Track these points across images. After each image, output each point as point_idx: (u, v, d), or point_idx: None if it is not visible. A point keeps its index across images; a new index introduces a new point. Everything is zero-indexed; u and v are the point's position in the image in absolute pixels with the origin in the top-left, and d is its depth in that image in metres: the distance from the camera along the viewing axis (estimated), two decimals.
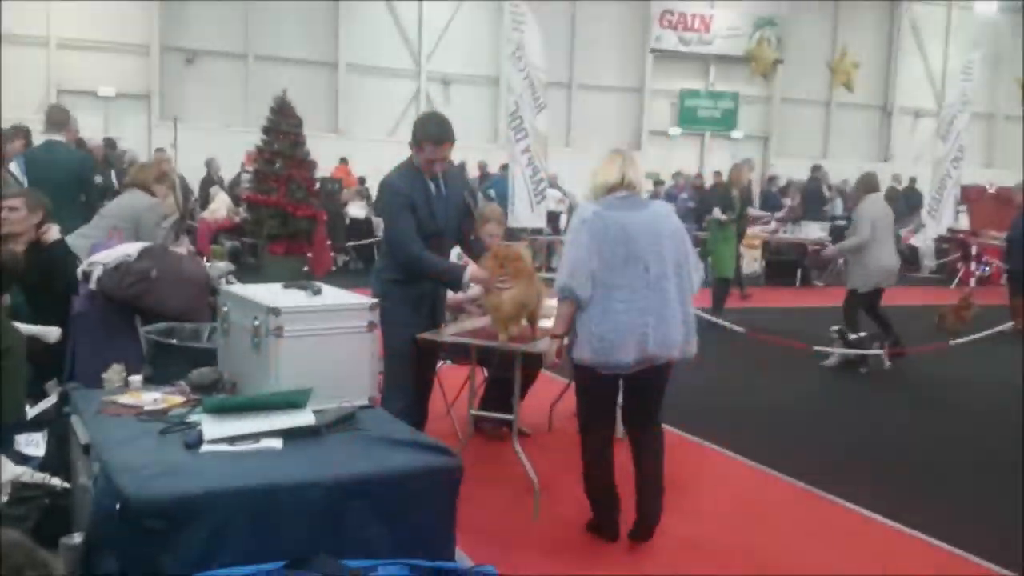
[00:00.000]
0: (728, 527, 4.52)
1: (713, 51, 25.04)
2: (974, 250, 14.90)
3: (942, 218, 16.85)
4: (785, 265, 15.09)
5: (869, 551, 4.26)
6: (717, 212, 10.78)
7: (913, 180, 20.35)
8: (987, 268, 15.91)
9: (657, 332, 3.87)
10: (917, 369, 8.32)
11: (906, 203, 19.18)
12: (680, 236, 4.03)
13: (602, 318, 3.82)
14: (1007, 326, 8.71)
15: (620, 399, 4.30)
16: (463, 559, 3.70)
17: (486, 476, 4.85)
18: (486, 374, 5.69)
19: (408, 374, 4.44)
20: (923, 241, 17.67)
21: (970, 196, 17.94)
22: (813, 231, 14.94)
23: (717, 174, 22.35)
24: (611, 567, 3.97)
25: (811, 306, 12.58)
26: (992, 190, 18.22)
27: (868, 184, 8.68)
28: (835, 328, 8.32)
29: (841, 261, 9.13)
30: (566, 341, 4.01)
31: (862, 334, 8.27)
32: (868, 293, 8.35)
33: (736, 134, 25.65)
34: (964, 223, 17.66)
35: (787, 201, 18.80)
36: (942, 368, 8.49)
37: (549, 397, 6.16)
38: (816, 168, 19.04)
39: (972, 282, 14.11)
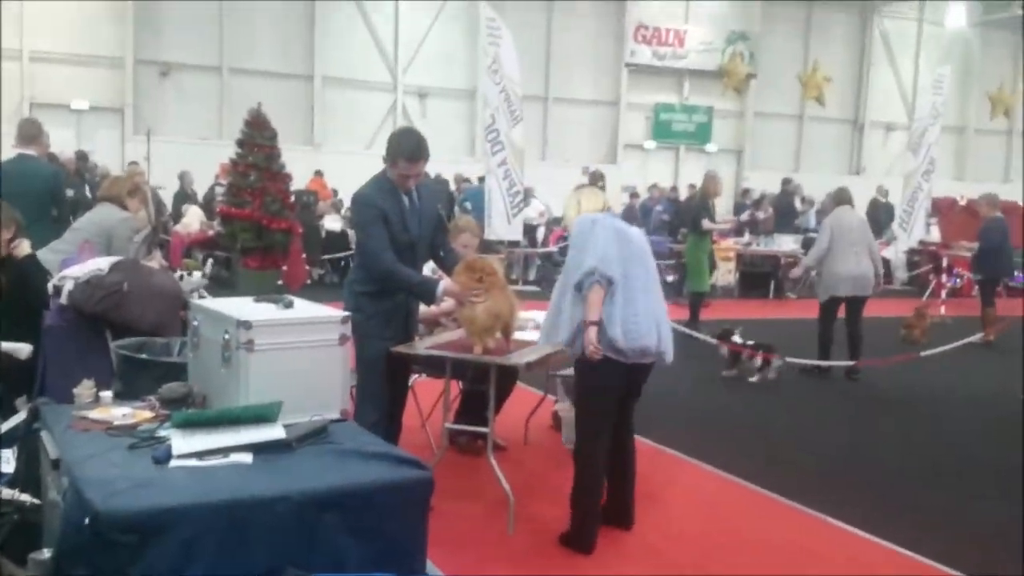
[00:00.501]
0: (699, 537, 4.56)
1: (687, 65, 25.25)
2: (945, 262, 15.06)
3: (913, 230, 17.05)
4: (758, 277, 15.22)
5: (839, 561, 4.30)
6: (707, 223, 10.76)
7: (885, 192, 20.58)
8: (958, 280, 16.09)
9: (662, 329, 4.19)
10: (888, 380, 8.41)
11: (883, 215, 19.42)
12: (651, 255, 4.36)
13: (626, 304, 4.04)
14: (976, 337, 8.82)
15: None
16: (436, 572, 3.72)
17: (461, 489, 4.86)
18: (461, 387, 5.69)
19: (381, 387, 4.44)
20: (895, 253, 17.85)
21: (941, 208, 18.17)
22: (786, 243, 15.07)
23: (691, 187, 22.55)
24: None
25: (784, 318, 12.69)
26: (963, 202, 18.44)
27: (837, 197, 8.92)
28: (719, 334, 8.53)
29: (813, 274, 9.20)
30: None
31: (750, 342, 8.42)
32: (829, 302, 8.49)
33: (710, 147, 25.85)
34: (935, 235, 17.86)
35: (760, 215, 18.94)
36: (912, 379, 8.58)
37: (524, 410, 6.18)
38: (787, 181, 19.22)
39: (943, 294, 14.25)
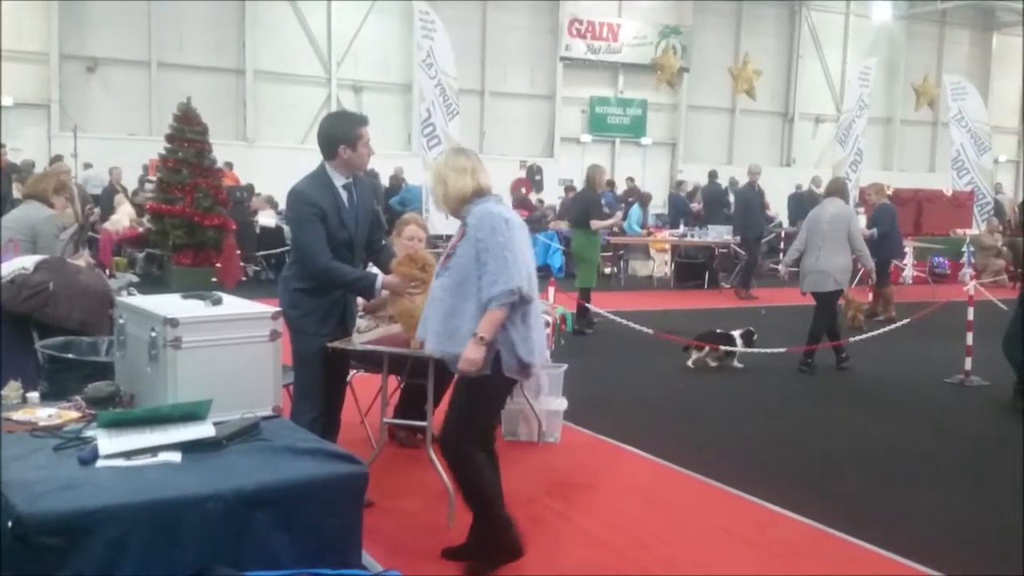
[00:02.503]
0: (637, 524, 4.60)
1: (621, 59, 25.46)
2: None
3: None
4: (693, 268, 15.41)
5: (775, 546, 4.38)
6: (595, 223, 10.04)
7: (817, 180, 20.98)
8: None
9: (539, 334, 3.87)
10: (821, 365, 8.58)
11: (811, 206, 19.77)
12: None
13: (536, 321, 3.81)
14: (904, 321, 9.04)
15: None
16: (374, 566, 3.70)
17: (400, 484, 4.85)
18: (401, 382, 5.67)
19: (319, 384, 4.40)
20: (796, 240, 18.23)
21: (868, 198, 18.55)
22: (719, 233, 15.28)
23: (630, 179, 22.79)
24: (524, 569, 4.00)
25: (718, 307, 12.87)
26: (890, 192, 18.86)
27: (829, 188, 9.00)
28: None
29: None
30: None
31: (733, 332, 8.53)
32: (813, 295, 8.52)
33: (645, 141, 26.12)
34: (863, 224, 18.26)
35: (695, 206, 19.21)
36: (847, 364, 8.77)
37: None
38: (713, 174, 19.52)
39: (870, 281, 14.57)
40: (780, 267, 9.35)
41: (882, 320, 10.96)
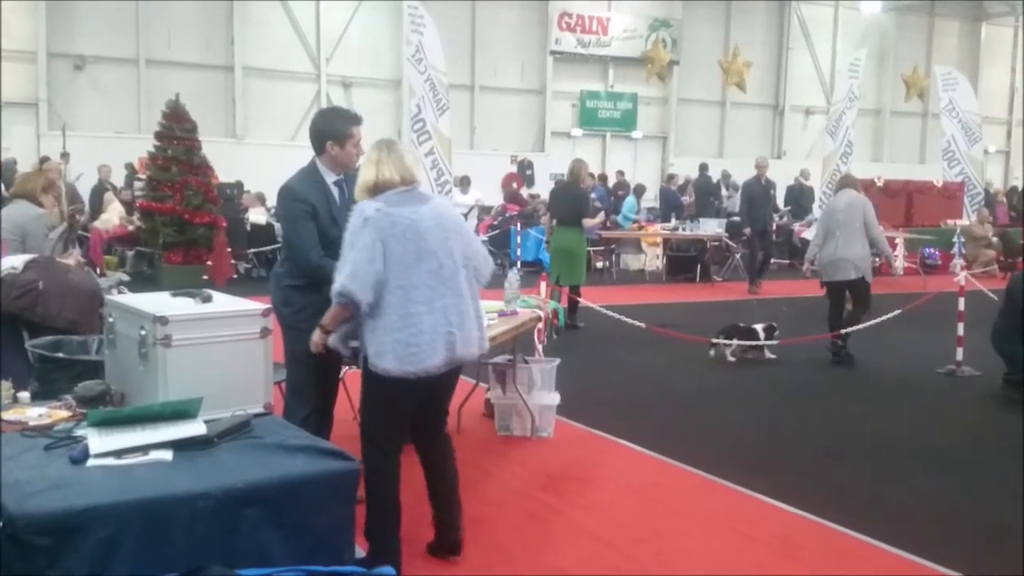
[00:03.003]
0: (630, 517, 4.61)
1: (611, 53, 25.45)
2: None
3: None
4: (684, 261, 15.41)
5: (770, 538, 4.38)
6: (588, 221, 9.87)
7: (806, 174, 21.01)
8: (876, 259, 16.51)
9: (462, 331, 3.66)
10: (812, 357, 8.59)
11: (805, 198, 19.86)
12: (465, 229, 3.88)
13: (403, 323, 3.53)
14: (894, 313, 9.05)
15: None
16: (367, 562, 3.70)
17: None
18: None
19: (311, 381, 4.38)
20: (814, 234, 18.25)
21: (859, 189, 18.59)
22: (711, 227, 15.29)
23: (620, 173, 22.80)
24: (518, 564, 4.00)
25: (710, 300, 12.89)
26: (880, 183, 18.93)
27: (841, 182, 9.21)
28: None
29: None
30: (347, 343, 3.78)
31: (755, 326, 8.57)
32: (827, 284, 8.61)
33: (636, 134, 26.11)
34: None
35: (686, 199, 19.22)
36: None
37: (457, 398, 6.15)
38: (704, 167, 19.51)
39: (891, 270, 14.62)
40: (804, 265, 9.33)
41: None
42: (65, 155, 14.23)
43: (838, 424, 6.59)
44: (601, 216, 11.36)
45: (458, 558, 4.00)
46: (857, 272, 8.40)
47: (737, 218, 18.00)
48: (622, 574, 3.94)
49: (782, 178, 21.47)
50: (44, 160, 14.79)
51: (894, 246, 16.59)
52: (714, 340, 8.53)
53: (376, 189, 3.67)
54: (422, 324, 3.55)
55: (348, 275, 3.47)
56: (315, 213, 4.23)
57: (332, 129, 4.33)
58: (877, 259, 10.70)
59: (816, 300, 12.13)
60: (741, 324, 8.70)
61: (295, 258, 4.32)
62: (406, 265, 3.55)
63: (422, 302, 3.56)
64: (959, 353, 8.21)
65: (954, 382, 7.99)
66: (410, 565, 3.75)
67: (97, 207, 15.18)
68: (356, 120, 4.33)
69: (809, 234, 18.44)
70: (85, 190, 16.30)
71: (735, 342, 8.46)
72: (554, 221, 10.07)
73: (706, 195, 18.03)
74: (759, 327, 8.60)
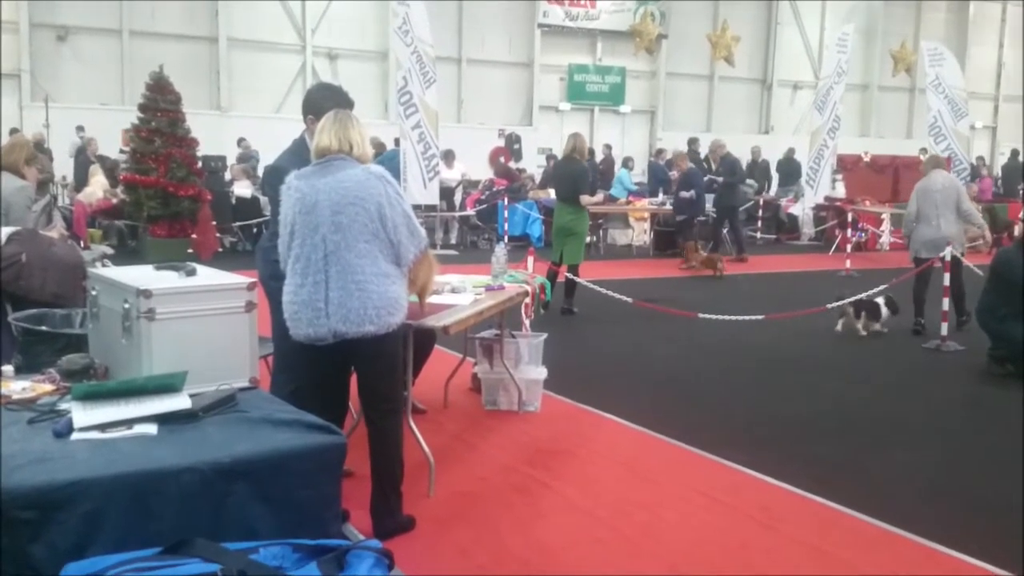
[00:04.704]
0: (616, 490, 4.63)
1: (599, 26, 25.28)
2: (850, 217, 15.49)
3: (819, 187, 17.50)
4: (672, 236, 15.40)
5: (753, 509, 4.41)
6: (586, 198, 9.51)
7: (792, 151, 21.03)
8: (863, 234, 16.58)
9: (339, 308, 3.65)
10: (796, 331, 8.63)
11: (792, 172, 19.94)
12: (381, 203, 3.68)
13: (288, 286, 3.80)
14: (882, 286, 9.09)
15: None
16: (354, 535, 3.71)
17: None
18: None
19: (298, 355, 4.36)
20: (802, 209, 18.30)
21: (846, 165, 18.65)
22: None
23: (607, 147, 22.73)
24: (505, 537, 4.02)
25: (697, 275, 12.90)
26: (867, 158, 18.95)
27: (931, 163, 9.54)
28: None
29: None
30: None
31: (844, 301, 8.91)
32: (915, 262, 8.95)
33: (624, 108, 26.02)
34: (841, 191, 18.36)
35: (673, 174, 19.16)
36: (820, 329, 8.83)
37: (444, 373, 6.18)
38: (693, 141, 19.48)
39: (849, 248, 14.68)
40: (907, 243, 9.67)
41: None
42: (44, 127, 14.11)
43: (822, 398, 6.63)
44: (600, 196, 11.25)
45: (444, 532, 4.01)
46: (956, 249, 8.74)
47: (748, 190, 18.18)
48: (608, 546, 3.96)
49: (772, 153, 21.53)
50: (13, 131, 14.63)
51: (880, 221, 16.67)
52: (841, 311, 8.92)
53: (317, 155, 3.79)
54: (297, 295, 3.75)
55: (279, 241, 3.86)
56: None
57: (315, 104, 4.32)
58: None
59: (800, 275, 12.16)
60: (864, 298, 8.93)
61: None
62: (296, 237, 3.74)
63: (300, 274, 3.74)
64: (944, 328, 8.26)
65: (939, 357, 8.04)
66: (394, 542, 3.76)
67: (82, 180, 15.05)
68: (341, 104, 4.24)
69: (796, 210, 18.52)
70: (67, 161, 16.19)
71: (863, 316, 8.86)
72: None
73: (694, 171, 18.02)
74: (880, 300, 8.91)
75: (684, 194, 13.99)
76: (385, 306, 3.72)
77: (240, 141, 17.95)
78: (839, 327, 8.92)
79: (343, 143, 3.75)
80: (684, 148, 20.19)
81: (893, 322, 9.02)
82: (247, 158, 16.63)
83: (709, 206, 15.19)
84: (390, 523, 3.94)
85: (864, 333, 8.81)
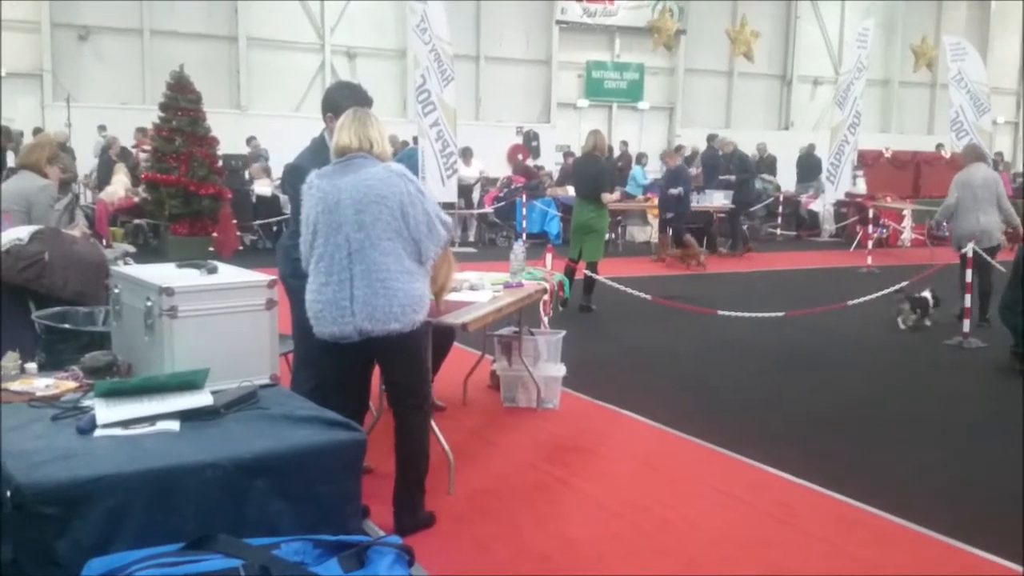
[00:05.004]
0: (635, 487, 4.63)
1: (617, 23, 25.19)
2: (871, 213, 15.39)
3: (840, 183, 17.38)
4: (691, 233, 15.33)
5: (771, 506, 4.41)
6: (607, 196, 9.50)
7: (812, 147, 20.90)
8: (884, 230, 16.47)
9: (364, 306, 3.66)
10: (816, 328, 8.59)
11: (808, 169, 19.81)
12: (403, 200, 3.67)
13: (311, 285, 3.80)
14: (900, 285, 9.03)
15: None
16: (374, 531, 3.72)
17: None
18: None
19: (320, 353, 4.38)
20: (822, 206, 18.19)
21: (867, 161, 18.51)
22: (717, 199, 15.22)
23: (624, 144, 22.67)
24: (524, 533, 4.03)
25: (716, 272, 12.87)
26: (888, 154, 18.81)
27: (971, 154, 9.60)
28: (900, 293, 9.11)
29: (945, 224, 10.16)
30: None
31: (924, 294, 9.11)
32: (965, 252, 8.87)
33: (642, 105, 25.92)
34: (862, 187, 18.23)
35: (693, 171, 19.10)
36: (840, 326, 8.79)
37: (463, 370, 6.20)
38: (711, 137, 19.39)
39: (870, 244, 14.58)
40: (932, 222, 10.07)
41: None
42: (67, 126, 14.23)
43: (841, 394, 6.60)
44: (617, 194, 11.24)
45: (464, 528, 4.03)
46: (995, 240, 8.89)
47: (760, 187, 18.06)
48: (627, 542, 3.97)
49: (791, 150, 21.39)
50: (37, 132, 14.77)
51: (902, 218, 16.55)
52: (898, 310, 9.14)
53: (337, 154, 3.78)
54: (321, 294, 3.75)
55: (301, 238, 3.87)
56: None
57: (334, 102, 4.33)
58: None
59: (820, 272, 12.09)
60: (916, 294, 9.08)
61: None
62: (319, 236, 3.74)
63: (324, 273, 3.74)
64: (966, 325, 8.20)
65: (961, 354, 7.98)
66: (414, 538, 3.78)
67: (105, 178, 15.16)
68: (360, 102, 4.24)
69: (816, 206, 18.42)
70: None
71: (919, 311, 9.04)
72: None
73: (714, 167, 17.93)
74: (927, 294, 9.07)
75: (672, 191, 13.74)
76: (410, 303, 3.73)
77: (249, 140, 17.96)
78: (903, 324, 9.03)
79: (363, 141, 3.74)
80: (703, 145, 20.14)
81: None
82: (256, 157, 16.67)
83: (727, 202, 15.14)
84: (413, 519, 3.97)
85: (928, 324, 9.00)
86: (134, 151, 15.93)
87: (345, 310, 3.69)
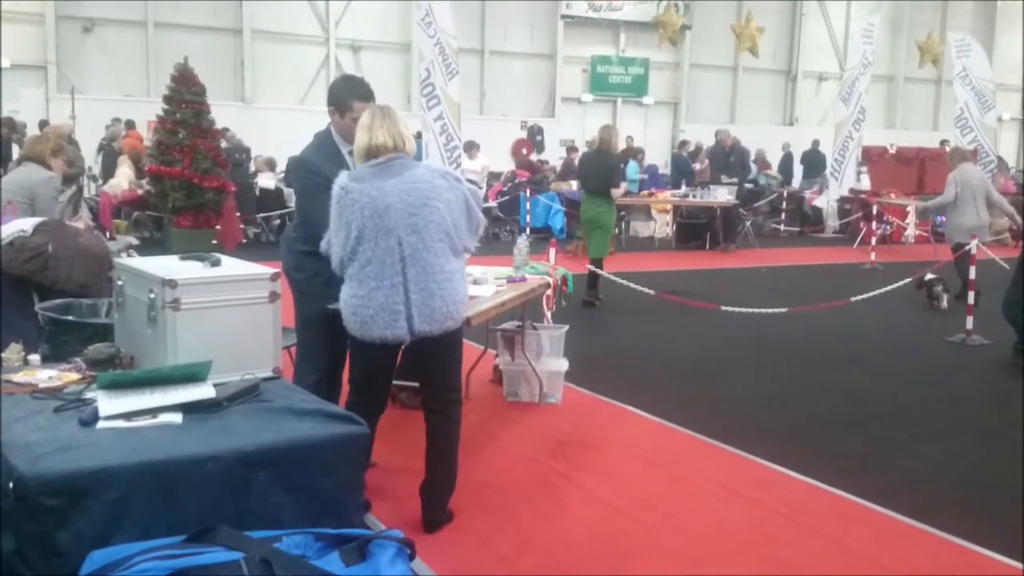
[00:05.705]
0: (638, 483, 4.63)
1: (622, 17, 25.16)
2: (875, 209, 15.35)
3: (844, 179, 17.35)
4: (695, 228, 15.34)
5: (776, 503, 4.40)
6: (616, 191, 9.54)
7: (816, 143, 20.86)
8: (888, 227, 16.43)
9: (422, 309, 3.66)
10: (819, 324, 8.57)
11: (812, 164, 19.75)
12: (441, 204, 3.67)
13: (356, 291, 3.67)
14: (904, 282, 9.02)
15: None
16: (376, 525, 3.72)
17: (404, 444, 4.85)
18: None
19: (321, 346, 4.39)
20: (826, 202, 18.16)
21: (871, 157, 18.47)
22: (722, 194, 15.20)
23: (629, 139, 22.64)
24: (526, 528, 4.02)
25: (720, 268, 12.85)
26: (893, 151, 18.76)
27: (958, 155, 10.20)
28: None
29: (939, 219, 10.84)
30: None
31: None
32: (955, 247, 9.41)
33: (647, 100, 25.90)
34: (866, 183, 18.20)
35: (697, 166, 19.09)
36: (843, 323, 8.77)
37: (465, 364, 6.14)
38: (719, 132, 19.36)
39: (873, 240, 14.55)
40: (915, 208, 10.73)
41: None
42: (71, 118, 14.22)
43: (845, 391, 6.59)
44: (624, 187, 11.22)
45: (466, 523, 4.03)
46: (988, 236, 9.51)
47: (749, 184, 17.93)
48: (631, 538, 3.96)
49: (796, 145, 21.36)
50: (43, 124, 14.77)
51: (906, 214, 16.52)
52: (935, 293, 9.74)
53: (369, 154, 3.69)
54: (371, 300, 3.65)
55: (327, 240, 3.78)
56: (331, 186, 4.19)
57: (336, 96, 4.31)
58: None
59: (823, 268, 12.08)
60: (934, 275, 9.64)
61: (309, 233, 4.29)
62: (365, 240, 3.62)
63: (373, 278, 3.64)
64: (969, 322, 8.18)
65: (964, 351, 7.97)
66: (415, 533, 3.77)
67: (110, 171, 15.16)
68: (363, 95, 4.23)
69: (820, 202, 18.39)
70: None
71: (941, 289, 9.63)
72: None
73: (720, 162, 17.93)
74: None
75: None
76: (461, 301, 3.82)
77: (225, 131, 17.66)
78: (945, 304, 9.58)
79: (397, 140, 3.69)
80: (709, 140, 20.13)
81: (917, 316, 8.95)
82: (237, 149, 16.45)
83: (731, 197, 15.12)
84: (445, 513, 4.02)
85: (946, 307, 9.51)
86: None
87: (399, 314, 3.65)
